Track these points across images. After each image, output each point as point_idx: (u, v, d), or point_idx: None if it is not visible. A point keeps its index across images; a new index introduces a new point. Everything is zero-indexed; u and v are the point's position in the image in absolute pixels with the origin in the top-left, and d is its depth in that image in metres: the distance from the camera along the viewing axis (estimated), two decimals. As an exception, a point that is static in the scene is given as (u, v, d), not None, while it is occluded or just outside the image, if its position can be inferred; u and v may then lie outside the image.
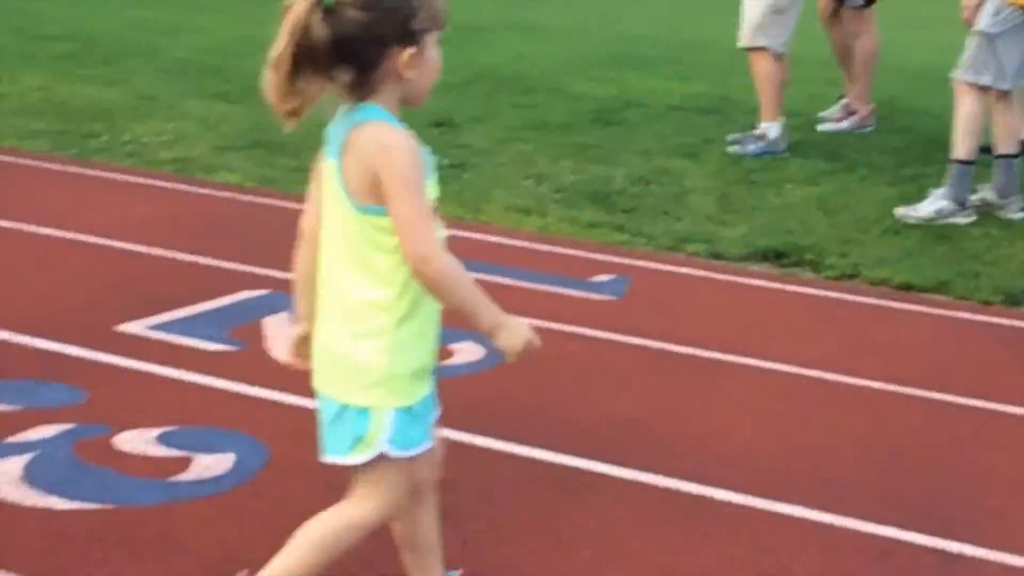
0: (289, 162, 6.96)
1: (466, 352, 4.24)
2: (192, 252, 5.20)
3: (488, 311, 2.26)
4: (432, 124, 7.88)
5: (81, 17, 11.70)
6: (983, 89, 6.33)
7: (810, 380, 4.29)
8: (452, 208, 6.29)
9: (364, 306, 2.28)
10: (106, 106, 8.01)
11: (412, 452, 2.35)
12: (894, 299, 5.35)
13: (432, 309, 2.35)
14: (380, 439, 2.30)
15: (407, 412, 2.32)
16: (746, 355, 4.47)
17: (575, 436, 3.62)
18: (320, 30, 2.19)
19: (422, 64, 2.28)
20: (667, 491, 3.33)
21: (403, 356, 2.29)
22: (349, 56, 2.21)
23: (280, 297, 4.69)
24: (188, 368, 3.91)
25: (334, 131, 2.30)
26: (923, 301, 5.35)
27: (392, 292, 2.27)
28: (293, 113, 2.26)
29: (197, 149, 7.16)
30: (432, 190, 2.31)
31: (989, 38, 6.21)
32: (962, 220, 6.39)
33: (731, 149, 7.55)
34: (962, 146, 6.41)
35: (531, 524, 3.08)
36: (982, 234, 6.25)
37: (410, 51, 2.25)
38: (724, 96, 9.11)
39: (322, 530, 2.41)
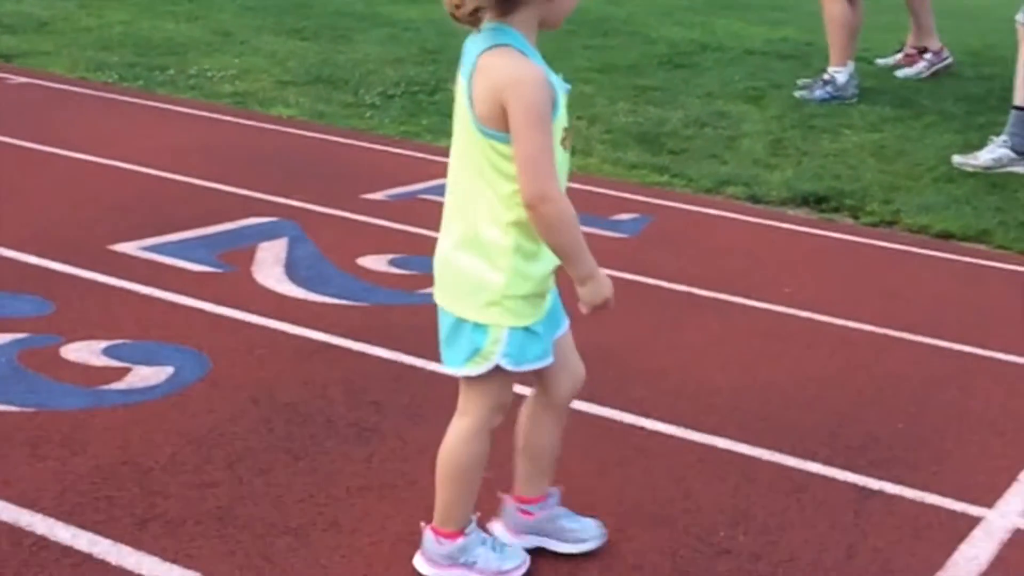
0: (345, 98, 7.03)
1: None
2: (214, 179, 5.29)
3: (585, 262, 2.30)
4: (497, 63, 7.87)
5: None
6: (1048, 33, 6.03)
7: (800, 321, 4.17)
8: (495, 146, 6.30)
9: (484, 225, 2.30)
10: (181, 40, 8.18)
11: (526, 367, 2.39)
12: (929, 247, 5.16)
13: None
14: (496, 353, 2.34)
15: (524, 331, 2.35)
16: (741, 295, 4.36)
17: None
18: None
19: None
20: (601, 419, 3.28)
21: (519, 279, 2.31)
22: None
23: (287, 224, 4.77)
24: (164, 287, 3.98)
25: (469, 49, 2.30)
26: (959, 250, 5.15)
27: (511, 215, 2.28)
28: (472, 16, 2.26)
29: (259, 83, 7.27)
30: (562, 120, 2.30)
31: (1057, -19, 5.91)
32: (1022, 169, 6.12)
33: (798, 94, 7.35)
34: (1022, 92, 6.12)
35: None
36: (1041, 183, 5.99)
37: None
38: (810, 42, 8.85)
39: (445, 456, 2.48)
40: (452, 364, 2.41)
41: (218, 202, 5.00)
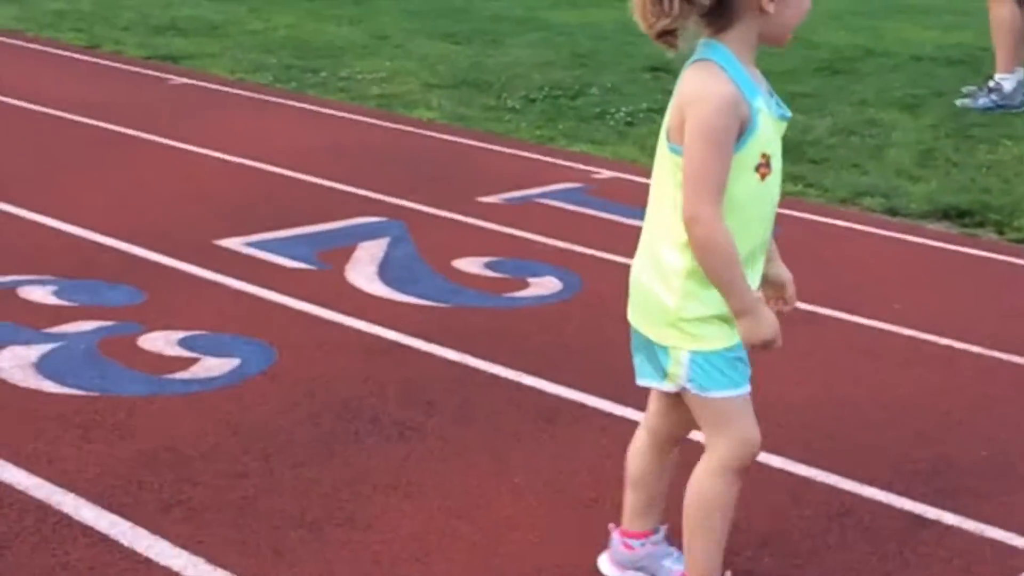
0: (487, 101, 7.07)
1: (541, 286, 4.22)
2: (335, 179, 5.37)
3: (740, 295, 2.16)
4: (648, 68, 7.79)
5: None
6: None
7: (901, 338, 3.95)
8: (629, 150, 6.25)
9: (663, 244, 2.23)
10: (340, 43, 8.36)
11: (717, 394, 2.25)
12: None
13: (744, 260, 2.21)
14: (680, 376, 2.26)
15: (711, 354, 2.24)
16: (845, 310, 4.16)
17: (590, 372, 3.51)
18: None
19: (784, 1, 2.15)
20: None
21: (693, 302, 2.21)
22: None
23: (393, 225, 4.81)
24: (256, 282, 4.06)
25: (686, 66, 2.23)
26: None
27: (686, 235, 2.18)
28: (666, 35, 2.14)
29: (406, 86, 7.37)
30: (760, 145, 2.17)
31: None
32: None
33: (960, 102, 7.02)
34: None
35: (489, 447, 3.04)
36: None
37: None
38: (985, 47, 8.44)
39: (691, 498, 2.34)
40: (645, 377, 2.33)
41: (333, 201, 5.08)
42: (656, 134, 6.91)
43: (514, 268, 4.39)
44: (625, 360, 3.76)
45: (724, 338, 2.23)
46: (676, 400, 2.35)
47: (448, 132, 6.45)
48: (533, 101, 7.08)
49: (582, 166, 5.92)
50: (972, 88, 7.10)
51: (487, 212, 5.06)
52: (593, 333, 3.85)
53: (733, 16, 2.12)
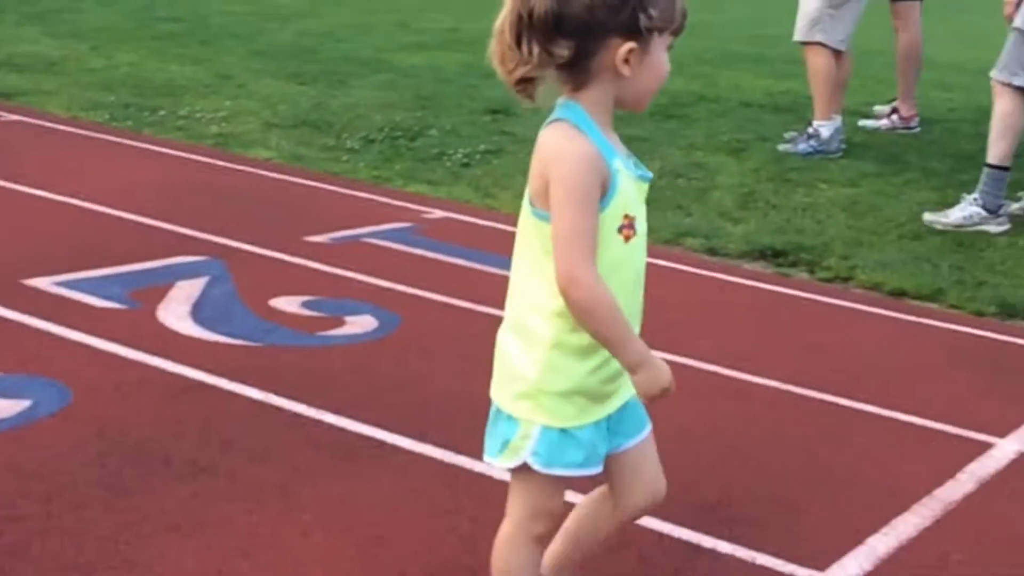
0: (326, 142, 7.10)
1: (357, 324, 4.26)
2: (158, 218, 5.34)
3: (630, 351, 2.11)
4: (487, 111, 7.91)
5: (204, 1, 12.23)
6: (1019, 90, 5.92)
7: (700, 374, 4.06)
8: (463, 192, 6.33)
9: (530, 314, 2.18)
10: (182, 82, 8.32)
11: (559, 472, 2.21)
12: (879, 305, 5.05)
13: None
14: (524, 449, 2.20)
15: (561, 432, 2.19)
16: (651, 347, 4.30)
17: (395, 411, 3.56)
18: (541, 0, 2.08)
19: (643, 64, 2.11)
20: (450, 466, 3.25)
21: (555, 374, 2.16)
22: (568, 34, 2.07)
23: (213, 264, 4.80)
24: (61, 323, 4.00)
25: (543, 128, 2.18)
26: (909, 309, 5.03)
27: (556, 304, 2.13)
28: (524, 84, 2.10)
29: (245, 126, 7.36)
30: (623, 207, 2.14)
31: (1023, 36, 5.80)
32: (994, 228, 6.00)
33: (782, 147, 7.28)
34: (995, 150, 6.00)
35: (284, 486, 3.06)
36: (1008, 243, 5.85)
37: (630, 46, 2.09)
38: (810, 95, 8.78)
39: (493, 557, 2.34)
40: (488, 453, 2.27)
41: (153, 240, 5.05)
42: (492, 175, 7.14)
43: (331, 307, 4.42)
44: (431, 397, 3.85)
45: (581, 417, 2.20)
46: (632, 473, 2.33)
47: (283, 172, 6.46)
48: (372, 142, 7.14)
49: (415, 206, 5.98)
50: (793, 134, 7.37)
51: (312, 251, 5.08)
52: (403, 371, 3.90)
53: (589, 75, 2.10)
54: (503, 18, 2.10)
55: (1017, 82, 5.87)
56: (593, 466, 2.25)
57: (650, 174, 2.24)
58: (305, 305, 4.42)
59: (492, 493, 3.11)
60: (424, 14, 12.49)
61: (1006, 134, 5.96)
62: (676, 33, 2.15)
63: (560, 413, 2.18)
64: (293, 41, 10.06)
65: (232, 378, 3.68)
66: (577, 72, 2.10)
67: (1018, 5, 5.91)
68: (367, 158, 6.82)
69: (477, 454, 3.38)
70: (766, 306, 4.97)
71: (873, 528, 3.08)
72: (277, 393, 3.60)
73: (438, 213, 5.89)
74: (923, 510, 3.21)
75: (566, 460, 2.20)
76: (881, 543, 3.02)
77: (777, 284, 5.25)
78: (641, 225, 2.19)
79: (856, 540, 3.01)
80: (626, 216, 2.14)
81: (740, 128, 7.76)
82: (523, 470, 2.23)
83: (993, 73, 6.00)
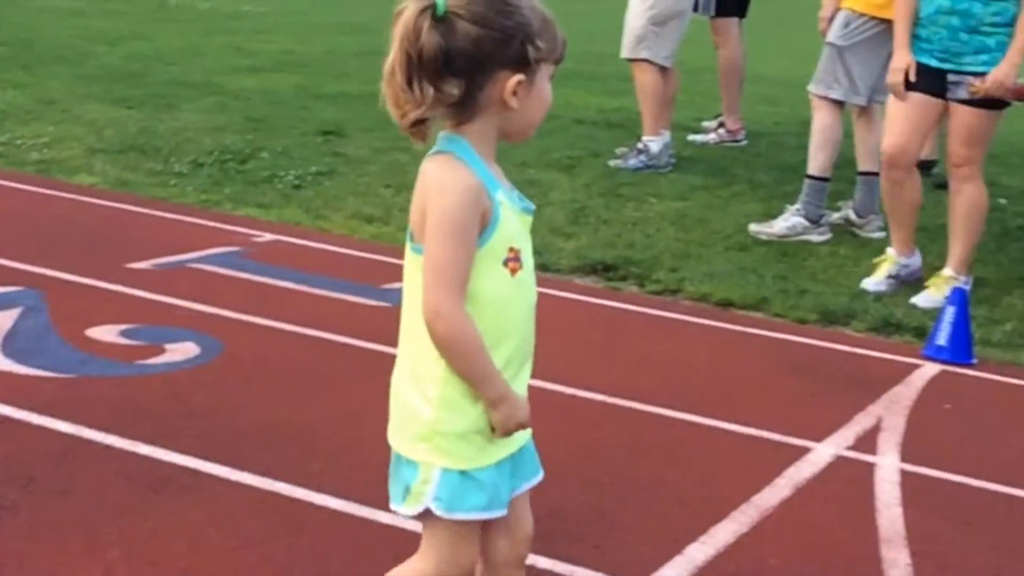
0: (154, 166, 6.94)
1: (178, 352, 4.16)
2: (-30, 247, 5.16)
3: (493, 384, 2.09)
4: (319, 133, 7.83)
5: (29, 25, 11.89)
6: (837, 103, 6.10)
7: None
8: (294, 214, 6.24)
9: (420, 352, 2.12)
10: (1, 108, 8.03)
11: (461, 516, 2.15)
12: (707, 316, 5.14)
13: (508, 371, 2.15)
14: (425, 494, 2.14)
15: (461, 474, 2.13)
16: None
17: (211, 439, 3.47)
18: (430, 38, 2.03)
19: (530, 95, 2.10)
20: (271, 494, 3.18)
21: (451, 414, 2.11)
22: (458, 71, 2.04)
23: (28, 294, 4.63)
24: None
25: (425, 161, 2.13)
26: (735, 319, 5.13)
27: (430, 333, 2.09)
28: (417, 125, 2.06)
29: (69, 151, 7.15)
30: (507, 239, 2.11)
31: (839, 50, 5.97)
32: (816, 238, 6.16)
33: (612, 163, 7.37)
34: (815, 162, 6.18)
35: (101, 522, 2.95)
36: (829, 252, 6.01)
37: (518, 78, 2.07)
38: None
39: None
40: (392, 500, 2.21)
41: (-36, 271, 4.87)
42: (324, 197, 7.05)
43: (151, 335, 4.30)
44: (250, 424, 3.78)
45: (481, 458, 2.15)
46: (500, 520, 2.25)
47: (108, 198, 6.29)
48: (201, 166, 6.99)
49: (244, 230, 5.88)
50: (624, 149, 7.47)
51: (133, 279, 4.94)
52: (222, 399, 3.81)
53: (477, 110, 2.08)
54: (392, 60, 2.06)
55: (834, 95, 6.04)
56: (498, 508, 2.19)
57: (533, 206, 2.22)
58: (123, 334, 4.29)
59: (310, 520, 3.06)
60: (259, 36, 12.33)
61: (825, 146, 6.13)
62: (558, 62, 2.15)
63: (459, 454, 2.13)
64: (121, 64, 9.82)
65: (41, 412, 3.55)
66: (464, 108, 2.08)
67: (831, 21, 6.08)
68: (195, 182, 6.69)
69: (296, 480, 3.35)
70: (596, 320, 5.01)
71: (691, 537, 3.11)
72: (88, 425, 3.48)
73: (268, 236, 5.80)
74: (741, 517, 3.25)
75: (469, 504, 2.14)
76: (699, 551, 3.05)
77: (607, 298, 5.30)
78: (528, 258, 2.16)
79: (675, 550, 3.04)
80: (511, 249, 2.12)
81: (572, 145, 7.82)
82: (428, 516, 2.16)
83: (810, 87, 6.17)
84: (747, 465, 3.61)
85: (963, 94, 5.10)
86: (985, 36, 5.01)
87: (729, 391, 4.26)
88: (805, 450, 3.74)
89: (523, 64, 2.07)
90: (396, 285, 5.17)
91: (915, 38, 5.19)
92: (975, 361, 4.66)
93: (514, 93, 2.07)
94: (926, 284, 5.35)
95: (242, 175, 6.88)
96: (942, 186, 6.08)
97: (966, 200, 5.28)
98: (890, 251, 5.52)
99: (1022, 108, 12.11)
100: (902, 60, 5.19)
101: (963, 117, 5.16)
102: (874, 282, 5.43)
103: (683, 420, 3.94)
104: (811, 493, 3.44)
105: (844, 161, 6.61)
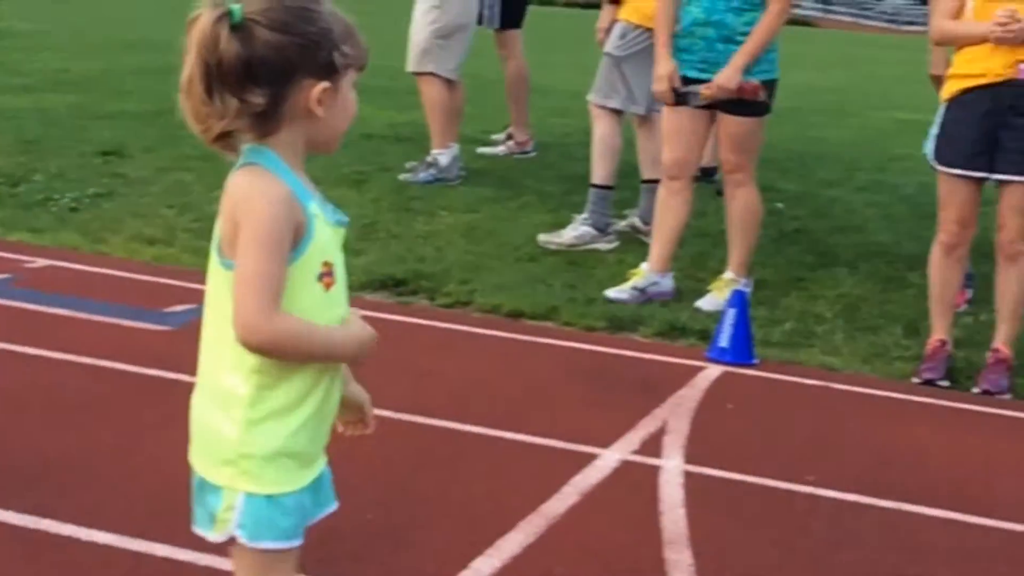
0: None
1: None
2: None
3: (342, 346, 2.06)
4: (98, 153, 7.56)
5: None
6: (615, 112, 6.20)
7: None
8: (70, 238, 5.99)
9: (224, 371, 2.01)
10: None
11: (268, 545, 2.03)
12: (498, 327, 5.14)
13: (319, 389, 2.06)
14: (231, 520, 2.02)
15: (267, 500, 2.02)
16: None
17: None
18: (228, 46, 1.92)
19: (335, 104, 2.02)
20: (33, 532, 3.02)
21: (258, 436, 2.00)
22: (261, 80, 1.94)
23: None
24: None
25: (231, 174, 2.01)
26: (525, 329, 5.14)
27: (252, 361, 1.99)
28: (223, 138, 1.96)
29: None
30: (320, 253, 2.02)
31: (616, 61, 6.07)
32: (604, 246, 6.24)
33: (402, 177, 7.34)
34: (599, 171, 6.27)
35: None
36: (616, 260, 6.10)
37: (324, 86, 1.98)
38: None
39: None
40: (198, 525, 2.09)
41: None
42: (102, 219, 6.79)
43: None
44: (14, 459, 3.58)
45: (289, 481, 2.05)
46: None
47: None
48: (-31, 190, 6.67)
49: (15, 256, 5.61)
50: (414, 164, 7.45)
51: None
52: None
53: (282, 120, 1.99)
54: (189, 71, 1.95)
55: (612, 104, 6.14)
56: (299, 536, 2.10)
57: (346, 218, 2.14)
58: None
59: (82, 560, 2.92)
60: (32, 55, 11.86)
61: (607, 155, 6.22)
62: (361, 69, 2.08)
63: (266, 478, 2.03)
64: None
65: None
66: (269, 118, 1.99)
67: (608, 32, 6.18)
68: (-37, 207, 6.36)
69: (67, 516, 3.19)
70: (385, 336, 4.85)
71: (478, 550, 3.08)
72: None
73: (41, 262, 5.55)
74: (528, 527, 3.24)
75: (275, 532, 2.05)
76: (486, 564, 3.03)
77: (397, 313, 5.25)
78: (340, 272, 2.09)
79: (461, 564, 3.01)
80: (325, 263, 2.04)
81: (361, 160, 7.76)
82: (236, 543, 2.06)
83: (590, 96, 6.26)
84: (534, 475, 3.61)
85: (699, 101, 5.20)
86: (739, 46, 5.13)
87: (518, 401, 4.26)
88: (592, 457, 3.76)
89: (329, 71, 2.00)
90: (179, 308, 5.03)
91: (676, 50, 5.31)
92: (756, 361, 4.78)
93: (320, 102, 2.00)
94: (709, 288, 5.47)
95: (13, 199, 6.58)
96: (722, 193, 6.24)
97: (741, 205, 5.41)
98: (644, 266, 5.54)
99: (802, 116, 12.61)
100: (664, 68, 5.30)
101: (728, 125, 5.29)
102: (617, 291, 5.44)
103: (470, 433, 3.92)
104: (597, 499, 3.46)
105: (629, 169, 6.73)
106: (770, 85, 5.27)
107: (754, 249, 5.60)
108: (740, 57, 5.11)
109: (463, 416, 4.03)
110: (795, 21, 53.75)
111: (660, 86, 5.32)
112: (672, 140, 5.40)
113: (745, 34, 5.13)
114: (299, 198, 2.00)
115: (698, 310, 5.33)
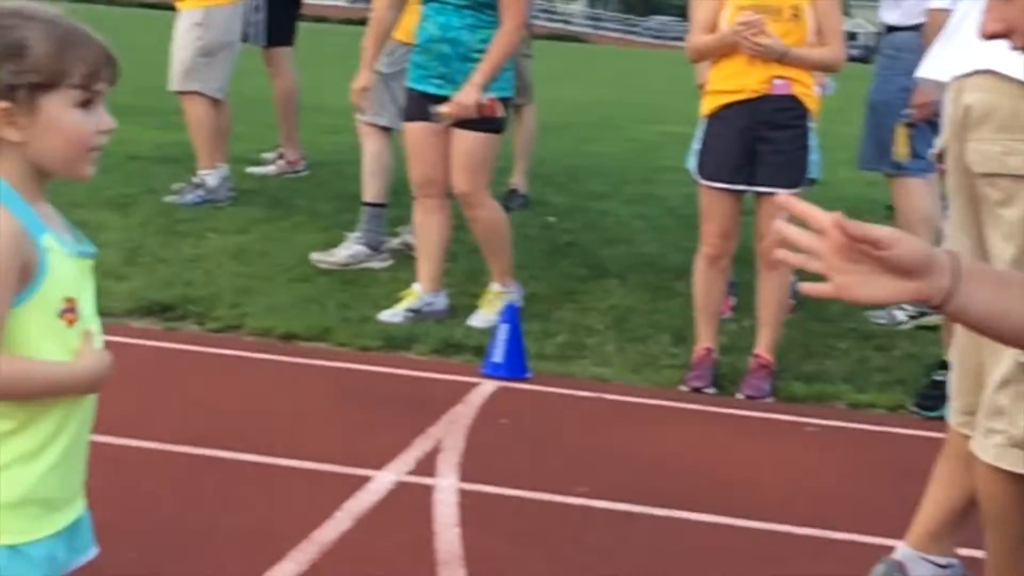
0: None
1: None
2: None
3: (72, 383, 1.90)
4: None
5: None
6: (385, 130, 6.18)
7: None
8: None
9: None
10: None
11: None
12: (271, 350, 5.03)
13: (68, 428, 1.90)
14: None
15: (10, 550, 1.85)
16: None
17: None
18: None
19: (38, 126, 1.84)
20: None
21: (3, 482, 1.84)
22: None
23: None
24: None
25: None
26: (299, 351, 5.05)
27: None
28: None
29: None
30: (61, 288, 1.85)
31: (385, 78, 6.05)
32: (377, 264, 6.20)
33: (169, 199, 7.15)
34: (370, 189, 6.24)
35: None
36: (390, 278, 6.07)
37: (3, 106, 1.82)
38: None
39: None
40: None
41: None
42: None
43: None
44: None
45: (35, 528, 1.91)
46: None
47: None
48: None
49: None
50: (181, 185, 7.26)
51: None
52: None
53: None
54: None
55: (382, 122, 6.11)
56: None
57: (93, 249, 1.98)
58: None
59: None
60: None
61: (378, 173, 6.19)
62: (79, 86, 1.88)
63: (8, 528, 1.88)
64: None
65: None
66: None
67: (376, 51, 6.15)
68: None
69: None
70: (153, 364, 4.79)
71: (252, 579, 3.01)
72: None
73: None
74: (299, 555, 3.18)
75: None
76: (256, 596, 2.95)
77: (165, 340, 5.09)
78: (87, 307, 1.94)
79: (231, 598, 2.93)
80: (67, 299, 1.89)
81: (126, 182, 7.52)
82: None
83: (359, 115, 6.21)
84: (307, 501, 3.54)
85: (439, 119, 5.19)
86: (475, 63, 5.13)
87: (291, 426, 4.18)
88: (365, 479, 3.71)
89: (8, 91, 1.85)
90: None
91: (414, 65, 5.31)
92: (530, 375, 4.82)
93: (12, 124, 1.85)
94: (478, 304, 5.48)
95: None
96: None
97: (484, 227, 5.37)
98: (416, 287, 5.52)
99: (573, 130, 12.85)
100: (360, 80, 5.58)
101: (464, 141, 5.20)
102: (391, 313, 5.40)
103: (241, 461, 3.82)
104: (371, 523, 3.42)
105: (401, 186, 6.70)
106: (505, 102, 5.28)
107: (511, 255, 5.55)
108: (478, 75, 5.09)
109: (234, 444, 3.93)
110: (566, 37, 55.38)
111: (353, 98, 5.61)
112: (416, 158, 5.36)
113: (481, 51, 5.13)
114: (30, 232, 1.86)
115: (471, 327, 5.33)
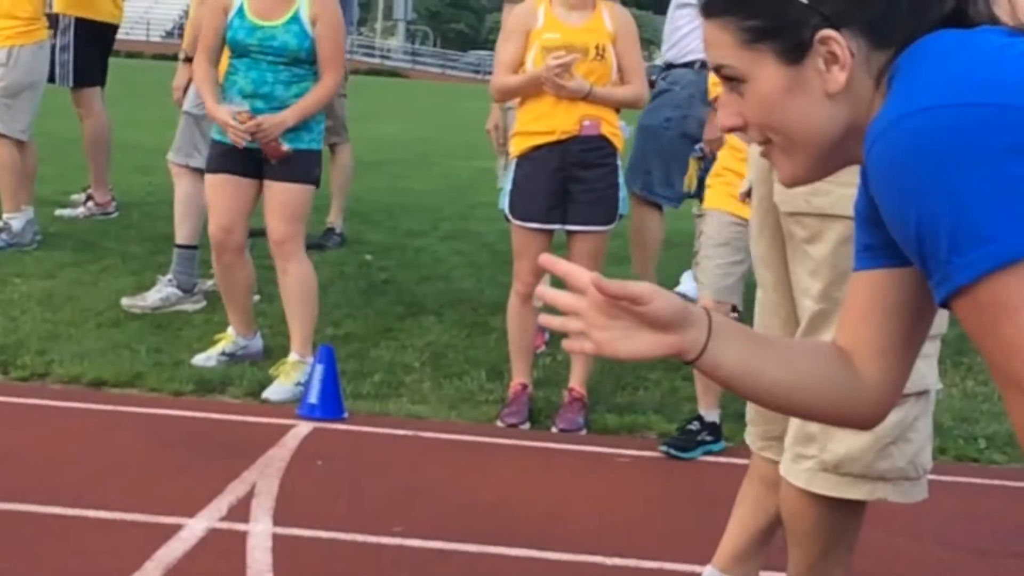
0: None
1: None
2: None
3: None
4: None
5: None
6: (197, 171, 6.11)
7: None
8: None
9: None
10: None
11: None
12: (79, 398, 4.91)
13: None
14: None
15: None
16: None
17: None
18: None
19: None
20: None
21: None
22: None
23: None
24: None
25: None
26: (109, 398, 4.94)
27: None
28: None
29: None
30: None
31: (195, 119, 6.00)
32: (191, 307, 6.12)
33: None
34: (182, 230, 6.15)
35: None
36: (204, 320, 5.99)
37: None
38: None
39: None
40: None
41: None
42: None
43: None
44: None
45: None
46: None
47: None
48: None
49: None
50: (-11, 229, 7.04)
51: None
52: None
53: None
54: None
55: (193, 163, 6.04)
56: None
57: None
58: None
59: None
60: None
61: (190, 214, 6.11)
62: None
63: None
64: None
65: None
66: None
67: (186, 90, 6.10)
68: None
69: None
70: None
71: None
72: None
73: None
74: (108, 609, 3.12)
75: None
76: (62, 655, 2.88)
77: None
78: None
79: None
80: None
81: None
82: None
83: (170, 156, 6.14)
84: (116, 552, 3.47)
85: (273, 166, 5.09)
86: None
87: (99, 476, 4.09)
88: (177, 527, 3.66)
89: None
90: None
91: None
92: (346, 415, 4.82)
93: None
94: (274, 373, 5.17)
95: None
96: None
97: (295, 280, 5.18)
98: (231, 330, 5.43)
99: (390, 167, 12.87)
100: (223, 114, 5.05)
101: (281, 193, 5.10)
102: (205, 357, 5.32)
103: (46, 514, 3.72)
104: (181, 573, 3.37)
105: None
106: (315, 156, 5.22)
107: (314, 322, 5.31)
108: (291, 113, 5.00)
109: (39, 497, 3.82)
110: (386, 72, 55.32)
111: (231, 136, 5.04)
112: (216, 209, 5.18)
113: None
114: None
115: (266, 401, 5.01)
